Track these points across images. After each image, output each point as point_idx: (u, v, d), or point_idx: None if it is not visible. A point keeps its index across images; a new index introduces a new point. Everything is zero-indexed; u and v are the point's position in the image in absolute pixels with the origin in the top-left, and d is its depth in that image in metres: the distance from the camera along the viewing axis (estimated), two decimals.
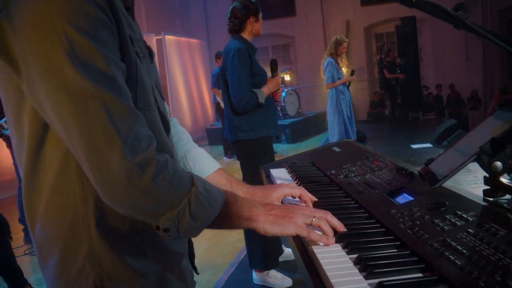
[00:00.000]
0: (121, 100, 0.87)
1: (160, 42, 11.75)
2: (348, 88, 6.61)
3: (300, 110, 12.42)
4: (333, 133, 6.47)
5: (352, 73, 6.72)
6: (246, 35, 3.42)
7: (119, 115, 0.86)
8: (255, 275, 3.58)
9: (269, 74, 3.52)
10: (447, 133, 8.15)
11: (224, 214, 1.00)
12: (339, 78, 6.41)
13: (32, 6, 0.83)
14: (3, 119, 4.03)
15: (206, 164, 1.37)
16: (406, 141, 9.08)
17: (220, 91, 8.81)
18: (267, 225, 1.03)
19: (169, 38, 12.03)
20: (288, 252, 3.83)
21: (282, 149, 9.67)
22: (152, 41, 11.72)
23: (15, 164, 5.01)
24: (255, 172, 3.23)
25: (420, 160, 6.94)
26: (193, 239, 1.18)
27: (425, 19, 13.78)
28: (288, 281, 3.48)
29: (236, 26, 3.40)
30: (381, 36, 14.90)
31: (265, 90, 3.35)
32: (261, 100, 3.28)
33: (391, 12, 13.49)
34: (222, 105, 8.96)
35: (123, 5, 1.02)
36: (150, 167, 0.87)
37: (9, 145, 4.84)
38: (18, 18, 0.85)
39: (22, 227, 5.05)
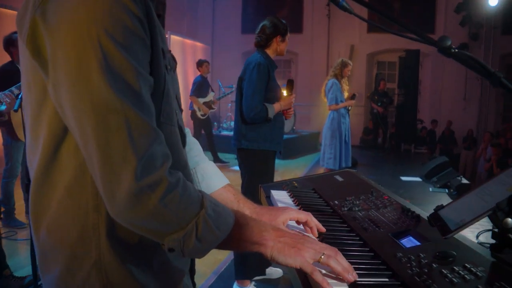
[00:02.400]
0: (143, 117, 0.86)
1: None
2: (348, 113, 6.61)
3: (294, 128, 12.44)
4: (325, 157, 6.39)
5: (353, 97, 6.72)
6: (270, 51, 3.57)
7: (139, 132, 0.85)
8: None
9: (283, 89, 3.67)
10: (438, 170, 8.19)
11: (233, 237, 0.99)
12: (341, 101, 6.41)
13: (72, 8, 0.83)
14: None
15: (214, 179, 1.36)
16: (396, 172, 9.11)
17: (199, 99, 8.89)
18: (275, 252, 1.01)
19: (175, 38, 12.04)
20: (272, 270, 3.82)
21: None
22: None
23: (4, 144, 4.93)
24: (252, 181, 3.41)
25: (408, 193, 6.99)
26: None
27: (427, 53, 13.92)
28: None
29: (263, 41, 3.56)
30: (383, 64, 15.01)
31: (277, 106, 3.50)
32: (270, 115, 3.41)
33: (395, 42, 13.61)
34: (197, 114, 9.01)
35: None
36: (160, 188, 0.86)
37: (1, 125, 4.76)
38: (55, 18, 0.84)
39: (3, 209, 4.97)
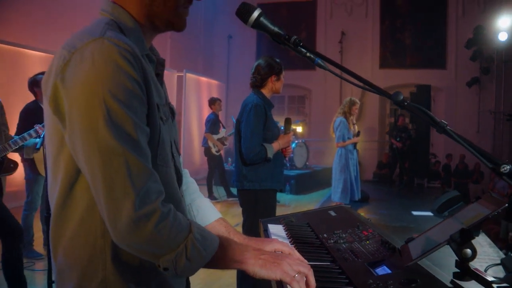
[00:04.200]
0: (140, 160, 1.07)
1: (180, 79, 12.10)
2: (355, 148, 6.78)
3: (307, 163, 12.58)
4: (336, 191, 6.57)
5: (358, 134, 6.90)
6: (265, 91, 3.66)
7: (136, 171, 1.05)
8: None
9: (281, 124, 3.76)
10: (449, 204, 8.25)
11: (218, 257, 1.17)
12: (348, 138, 6.59)
13: (84, 74, 1.04)
14: (27, 132, 4.23)
15: (208, 214, 1.54)
16: (408, 206, 9.16)
17: (213, 136, 9.12)
18: (256, 268, 1.18)
19: (190, 76, 12.39)
20: None
21: (285, 200, 9.76)
22: (173, 77, 12.09)
23: (26, 178, 5.18)
24: (254, 220, 3.40)
25: (419, 227, 7.04)
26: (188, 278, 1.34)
27: (440, 88, 14.10)
28: None
29: (258, 82, 3.65)
30: None
31: (275, 145, 3.56)
32: (270, 155, 3.47)
33: (407, 77, 13.87)
34: (212, 150, 9.18)
35: (154, 72, 1.25)
36: (154, 217, 1.06)
37: (23, 160, 5.02)
38: (71, 82, 1.05)
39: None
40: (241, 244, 1.28)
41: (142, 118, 1.11)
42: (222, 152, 9.71)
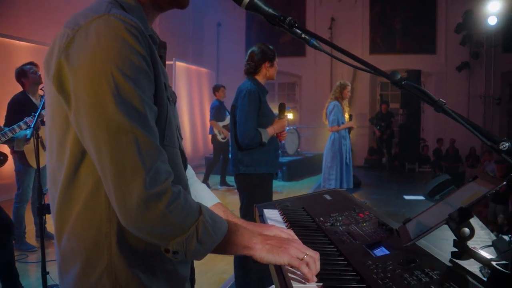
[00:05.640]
0: (149, 137, 1.03)
1: (170, 68, 12.00)
2: (349, 134, 6.76)
3: (299, 150, 12.58)
4: (328, 178, 6.51)
5: (350, 117, 6.88)
6: (260, 77, 3.72)
7: (146, 149, 1.02)
8: None
9: (276, 111, 3.79)
10: (440, 188, 8.32)
11: (227, 241, 1.15)
12: (342, 123, 6.56)
13: (90, 51, 1.01)
14: (16, 124, 4.18)
15: (206, 198, 1.52)
16: (400, 191, 9.21)
17: (218, 123, 9.08)
18: (263, 253, 1.17)
19: (180, 64, 12.30)
20: None
21: (277, 186, 9.77)
22: None
23: (16, 170, 5.12)
24: (250, 204, 3.40)
25: (410, 212, 7.08)
26: None
27: (430, 73, 14.12)
28: None
29: (252, 68, 3.70)
30: (386, 85, 15.17)
31: (270, 130, 3.61)
32: (264, 139, 3.53)
33: (398, 63, 13.84)
34: (218, 137, 9.15)
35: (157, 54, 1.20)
36: (166, 197, 1.02)
37: (13, 151, 4.94)
38: (76, 59, 1.02)
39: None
40: (248, 229, 1.25)
41: (150, 96, 1.08)
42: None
